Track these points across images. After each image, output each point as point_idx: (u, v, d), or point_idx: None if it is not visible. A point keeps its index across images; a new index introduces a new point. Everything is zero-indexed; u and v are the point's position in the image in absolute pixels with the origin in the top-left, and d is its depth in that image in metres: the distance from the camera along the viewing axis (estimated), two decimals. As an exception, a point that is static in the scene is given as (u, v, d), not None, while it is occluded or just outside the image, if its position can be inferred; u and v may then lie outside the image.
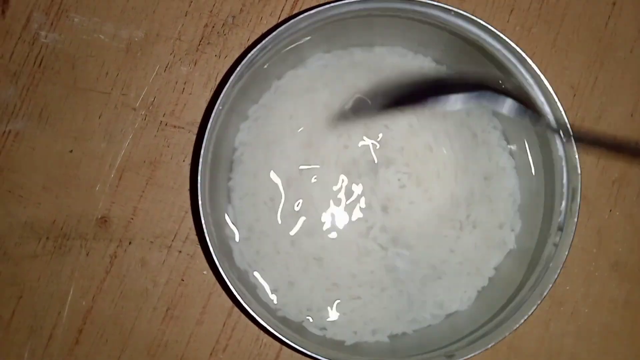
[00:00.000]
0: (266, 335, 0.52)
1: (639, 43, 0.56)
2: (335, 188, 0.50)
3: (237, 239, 0.48)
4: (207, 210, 0.43)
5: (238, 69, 0.42)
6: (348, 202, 0.51)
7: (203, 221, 0.41)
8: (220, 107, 0.42)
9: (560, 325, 0.54)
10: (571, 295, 0.54)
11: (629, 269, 0.55)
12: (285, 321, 0.48)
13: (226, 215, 0.48)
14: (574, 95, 0.56)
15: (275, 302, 0.49)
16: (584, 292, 0.54)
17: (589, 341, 0.54)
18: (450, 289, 0.50)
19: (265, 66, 0.47)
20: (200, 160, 0.42)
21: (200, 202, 0.41)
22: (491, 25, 0.46)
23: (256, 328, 0.51)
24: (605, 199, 0.55)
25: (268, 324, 0.43)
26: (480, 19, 0.46)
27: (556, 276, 0.43)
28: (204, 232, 0.42)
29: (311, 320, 0.48)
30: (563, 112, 0.45)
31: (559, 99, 0.45)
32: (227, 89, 0.42)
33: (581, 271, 0.54)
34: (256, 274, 0.49)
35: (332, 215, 0.49)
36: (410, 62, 0.52)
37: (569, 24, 0.56)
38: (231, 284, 0.42)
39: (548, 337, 0.53)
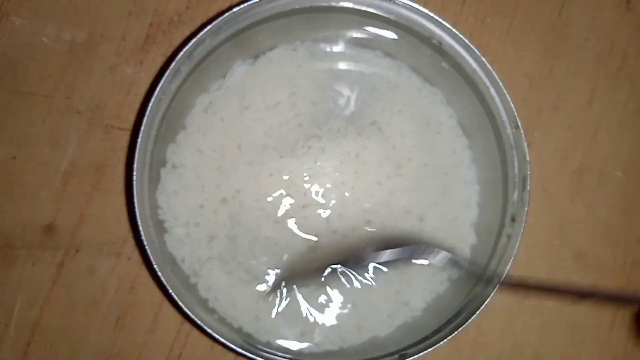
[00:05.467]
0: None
1: (593, 31, 0.55)
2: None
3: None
4: (147, 214, 0.41)
5: (173, 64, 0.41)
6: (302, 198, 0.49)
7: (141, 229, 0.40)
8: (156, 105, 0.41)
9: (525, 320, 0.53)
10: (534, 289, 0.53)
11: (592, 260, 0.54)
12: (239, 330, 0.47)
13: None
14: (530, 85, 0.55)
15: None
16: (547, 285, 0.53)
17: (553, 335, 0.53)
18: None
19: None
20: (135, 165, 0.40)
21: (136, 207, 0.39)
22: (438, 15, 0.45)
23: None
24: (566, 190, 0.54)
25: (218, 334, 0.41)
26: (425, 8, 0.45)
27: (507, 268, 0.42)
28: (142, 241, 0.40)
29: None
30: (513, 107, 0.44)
31: (509, 95, 0.44)
32: (163, 85, 0.40)
33: (544, 263, 0.53)
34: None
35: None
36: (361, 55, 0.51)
37: (523, 14, 0.55)
38: (175, 294, 0.40)
39: (512, 332, 0.52)
